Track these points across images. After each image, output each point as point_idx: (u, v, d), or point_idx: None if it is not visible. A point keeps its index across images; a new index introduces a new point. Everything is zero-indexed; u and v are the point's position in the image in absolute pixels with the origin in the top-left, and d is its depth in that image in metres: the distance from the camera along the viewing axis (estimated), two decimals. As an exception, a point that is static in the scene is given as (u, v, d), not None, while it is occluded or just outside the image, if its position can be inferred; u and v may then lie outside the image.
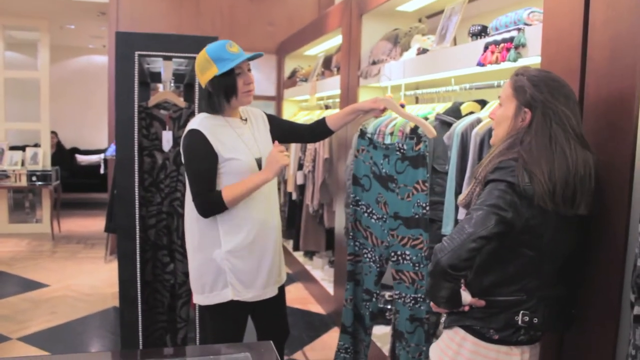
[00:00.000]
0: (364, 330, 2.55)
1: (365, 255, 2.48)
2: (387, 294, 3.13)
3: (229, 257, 2.07)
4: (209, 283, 2.10)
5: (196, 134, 2.02)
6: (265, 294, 2.16)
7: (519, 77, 1.51)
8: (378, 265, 2.44)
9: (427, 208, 2.20)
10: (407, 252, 2.28)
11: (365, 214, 2.45)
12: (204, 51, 2.03)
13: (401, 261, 2.30)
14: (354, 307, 2.56)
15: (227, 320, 2.14)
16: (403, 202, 2.26)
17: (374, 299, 2.50)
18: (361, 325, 2.56)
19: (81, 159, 9.11)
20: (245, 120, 2.18)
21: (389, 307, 3.07)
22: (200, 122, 2.06)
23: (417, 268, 2.27)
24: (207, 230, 2.08)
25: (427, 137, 2.19)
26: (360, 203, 2.47)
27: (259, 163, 2.11)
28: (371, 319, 2.53)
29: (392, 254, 2.33)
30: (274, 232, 2.17)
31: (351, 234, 2.51)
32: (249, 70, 2.09)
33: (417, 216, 2.22)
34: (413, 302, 2.29)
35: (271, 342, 1.65)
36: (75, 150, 9.22)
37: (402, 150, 2.24)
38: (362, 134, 2.42)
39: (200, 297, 2.14)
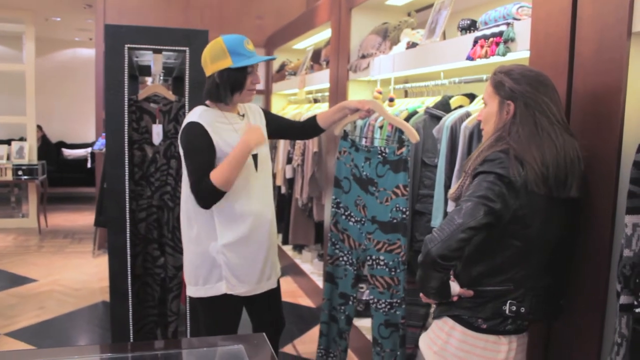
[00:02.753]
0: (338, 334, 2.51)
1: (341, 259, 2.46)
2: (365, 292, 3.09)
3: (224, 251, 2.07)
4: (203, 276, 2.10)
5: (197, 127, 2.01)
6: (258, 289, 2.16)
7: (497, 75, 1.57)
8: (355, 268, 2.42)
9: (407, 213, 2.17)
10: (382, 257, 2.26)
11: (343, 217, 2.44)
12: (220, 40, 2.01)
13: (375, 266, 2.28)
14: (330, 308, 2.53)
15: (219, 312, 2.14)
16: (381, 206, 2.24)
17: (350, 303, 2.46)
18: (336, 328, 2.52)
19: (67, 153, 9.04)
20: (243, 115, 2.18)
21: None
22: (199, 115, 2.05)
23: (393, 273, 2.24)
24: (203, 222, 2.07)
25: (410, 142, 2.17)
26: (340, 205, 2.46)
27: (255, 159, 2.11)
28: (347, 323, 2.49)
29: (368, 257, 2.32)
30: (269, 225, 2.17)
31: (329, 235, 2.50)
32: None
33: (395, 221, 2.20)
34: (388, 307, 2.27)
35: (264, 334, 1.66)
36: (62, 144, 9.14)
37: (383, 154, 2.22)
38: (345, 136, 2.42)
39: (193, 289, 2.14)
